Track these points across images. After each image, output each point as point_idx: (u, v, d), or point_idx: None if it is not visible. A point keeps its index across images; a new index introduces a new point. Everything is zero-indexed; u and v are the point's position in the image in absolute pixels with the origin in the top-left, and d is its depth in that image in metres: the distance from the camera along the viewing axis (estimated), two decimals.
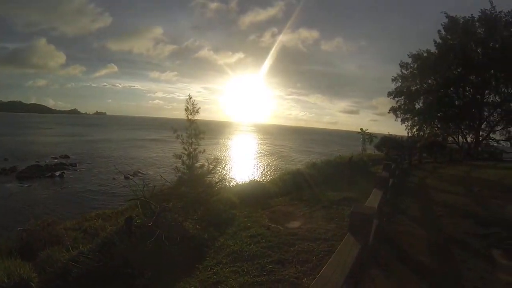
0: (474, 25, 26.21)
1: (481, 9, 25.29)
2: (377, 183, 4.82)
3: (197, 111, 8.21)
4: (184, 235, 5.36)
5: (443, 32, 27.62)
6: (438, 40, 27.62)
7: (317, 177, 10.65)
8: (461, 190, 9.43)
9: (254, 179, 10.46)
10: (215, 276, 3.93)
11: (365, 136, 27.48)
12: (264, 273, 3.82)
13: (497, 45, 24.79)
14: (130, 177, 20.93)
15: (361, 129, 28.35)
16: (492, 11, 24.84)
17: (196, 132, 8.15)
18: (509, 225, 6.14)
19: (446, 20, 27.11)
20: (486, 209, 7.43)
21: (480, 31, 25.92)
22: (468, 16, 26.32)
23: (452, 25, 27.02)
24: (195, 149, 8.15)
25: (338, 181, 10.23)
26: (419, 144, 22.57)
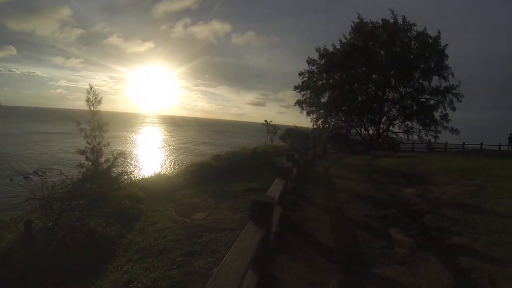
0: (380, 30, 36.73)
1: (383, 18, 36.55)
2: (279, 172, 6.23)
3: (100, 102, 9.93)
4: (90, 234, 6.17)
5: (351, 33, 37.84)
6: (344, 40, 37.78)
7: (222, 168, 13.15)
8: (362, 178, 12.30)
9: (160, 172, 12.56)
10: (126, 275, 4.64)
11: (270, 128, 34.95)
12: (175, 266, 4.65)
13: (398, 49, 35.78)
14: (30, 176, 21.12)
15: (266, 120, 35.68)
16: (393, 20, 36.26)
17: (99, 125, 9.75)
18: (403, 207, 8.58)
19: (354, 22, 37.71)
20: (384, 194, 9.97)
21: (384, 35, 36.43)
22: (376, 22, 36.99)
23: (361, 27, 37.09)
24: (99, 143, 9.82)
25: (243, 172, 12.56)
26: (324, 136, 28.63)
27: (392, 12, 36.63)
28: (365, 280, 4.96)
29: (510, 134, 37.43)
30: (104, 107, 10.01)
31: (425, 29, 36.04)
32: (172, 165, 36.05)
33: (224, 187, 9.74)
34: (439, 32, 36.03)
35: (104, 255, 5.61)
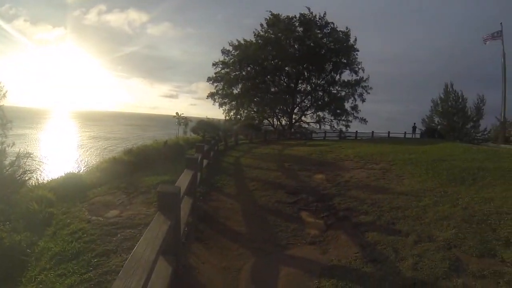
0: (295, 24, 39.39)
1: (301, 13, 39.29)
2: (188, 164, 6.34)
3: (5, 96, 9.45)
4: None
5: (265, 26, 40.06)
6: (259, 33, 39.89)
7: (134, 163, 13.22)
8: (274, 166, 12.95)
9: (71, 172, 11.87)
10: (41, 286, 4.47)
11: (181, 120, 36.27)
12: (91, 268, 4.58)
13: (311, 43, 38.45)
14: None
15: (177, 113, 36.95)
16: (309, 15, 39.22)
17: (3, 122, 9.04)
18: (313, 192, 9.27)
19: (269, 16, 39.76)
20: (295, 180, 10.63)
21: (299, 29, 39.19)
22: (291, 16, 39.53)
23: (275, 21, 39.22)
24: (2, 143, 9.12)
25: (155, 166, 12.79)
26: (236, 127, 29.40)
27: (309, 9, 39.59)
28: (278, 262, 5.32)
29: (414, 123, 42.08)
30: (6, 101, 9.05)
31: (348, 29, 39.90)
32: (83, 162, 35.19)
33: (137, 182, 9.67)
34: (347, 28, 40.01)
35: (14, 268, 5.26)
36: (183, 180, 5.31)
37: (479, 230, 6.11)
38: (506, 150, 17.43)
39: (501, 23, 27.74)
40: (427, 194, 8.55)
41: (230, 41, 40.44)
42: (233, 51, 40.15)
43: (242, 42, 40.09)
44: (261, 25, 40.92)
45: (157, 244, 2.78)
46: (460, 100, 40.24)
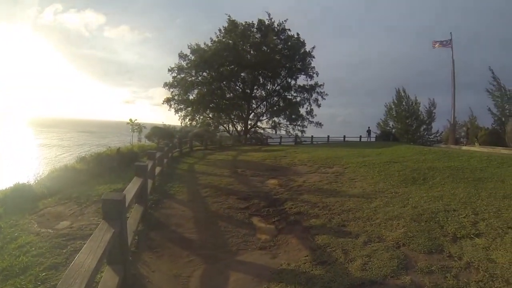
0: (252, 30, 40.21)
1: (259, 19, 40.04)
2: (137, 171, 6.34)
3: None
4: None
5: (223, 31, 40.61)
6: (216, 38, 40.33)
7: (86, 172, 12.90)
8: (227, 172, 13.02)
9: (20, 182, 11.27)
10: None
11: (134, 127, 35.37)
12: (39, 283, 4.41)
13: (268, 50, 39.32)
14: None
15: (130, 119, 35.58)
16: (268, 21, 40.17)
17: None
18: (266, 197, 9.39)
19: (227, 22, 40.33)
20: (247, 186, 10.73)
21: (257, 36, 40.05)
22: (249, 22, 40.19)
23: (233, 27, 39.82)
24: None
25: (107, 174, 12.51)
26: (191, 133, 29.21)
27: (269, 15, 40.55)
28: (228, 268, 5.34)
29: (368, 127, 43.52)
30: None
31: (299, 35, 41.15)
32: (33, 172, 32.93)
33: (89, 191, 9.43)
34: (298, 34, 41.27)
35: None
36: (131, 188, 5.28)
37: (427, 228, 6.38)
38: (455, 151, 18.51)
39: (451, 32, 30.10)
40: (378, 196, 8.85)
41: (188, 44, 40.44)
42: (191, 55, 40.19)
43: (201, 46, 40.29)
44: (219, 30, 41.46)
45: (99, 252, 2.76)
46: (413, 104, 42.22)
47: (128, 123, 35.40)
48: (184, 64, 40.58)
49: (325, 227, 6.87)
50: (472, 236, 5.96)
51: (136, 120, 35.11)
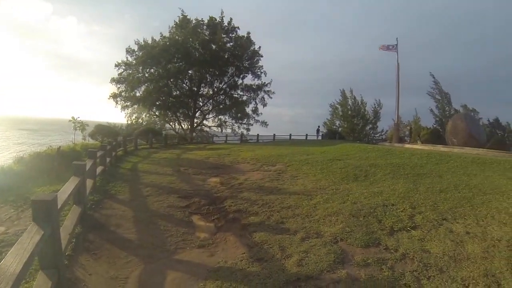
0: (203, 27, 39.76)
1: (210, 16, 39.73)
2: (75, 170, 6.15)
3: None
4: None
5: (174, 27, 39.92)
6: (166, 34, 39.49)
7: (24, 173, 12.29)
8: (170, 171, 12.94)
9: None
10: None
11: (77, 125, 33.79)
12: None
13: (216, 48, 38.95)
14: None
15: (73, 117, 34.10)
16: (218, 19, 39.91)
17: None
18: (207, 195, 9.45)
19: (179, 17, 39.82)
20: (189, 184, 10.70)
21: (206, 33, 39.61)
22: (200, 19, 39.81)
23: (184, 23, 39.24)
24: None
25: (47, 175, 11.94)
26: (136, 131, 28.39)
27: (222, 12, 40.45)
28: (166, 267, 5.31)
29: (318, 126, 45.02)
30: None
31: (248, 34, 41.15)
32: None
33: (26, 194, 8.84)
34: (248, 33, 41.22)
35: None
36: (67, 188, 5.08)
37: (365, 223, 6.63)
38: (398, 149, 19.30)
39: (396, 38, 31.81)
40: (319, 193, 9.06)
41: (136, 40, 39.33)
42: (138, 51, 39.09)
43: (149, 42, 39.29)
44: (170, 26, 40.80)
45: (26, 256, 2.66)
46: (360, 104, 43.65)
47: (70, 120, 33.73)
48: (131, 60, 39.46)
49: (263, 224, 6.97)
50: (408, 228, 6.27)
51: (78, 117, 33.60)
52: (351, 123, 43.77)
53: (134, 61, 39.32)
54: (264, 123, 42.52)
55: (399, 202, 7.90)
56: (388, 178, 10.53)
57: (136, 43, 39.14)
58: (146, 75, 39.52)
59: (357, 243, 5.74)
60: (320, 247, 5.62)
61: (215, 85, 42.64)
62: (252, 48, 41.34)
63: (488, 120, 42.44)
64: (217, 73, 40.80)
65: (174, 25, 40.54)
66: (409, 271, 4.76)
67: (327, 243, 5.79)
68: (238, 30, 41.31)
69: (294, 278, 4.66)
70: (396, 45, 31.32)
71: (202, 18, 40.56)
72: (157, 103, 39.53)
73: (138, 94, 39.56)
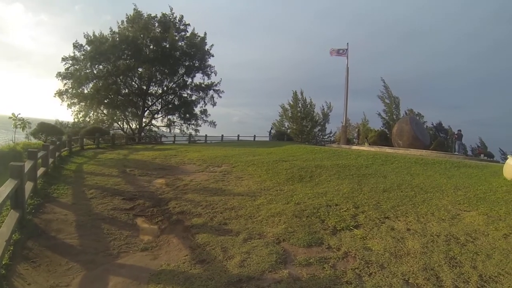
0: (154, 23, 38.61)
1: (162, 13, 38.85)
2: (11, 172, 5.74)
3: None
4: None
5: (125, 22, 38.33)
6: (117, 29, 37.87)
7: None
8: (115, 172, 12.53)
9: None
10: None
11: (17, 122, 31.07)
12: None
13: (167, 45, 37.88)
14: None
15: (13, 114, 31.05)
16: (170, 16, 39.08)
17: None
18: (151, 196, 9.28)
19: (132, 13, 38.27)
20: (134, 186, 10.45)
21: (157, 30, 38.43)
22: (154, 15, 38.67)
23: (135, 18, 37.83)
24: None
25: None
26: (83, 131, 27.15)
27: (171, 9, 39.50)
28: (108, 273, 5.15)
29: (271, 128, 45.23)
30: None
31: (205, 34, 40.64)
32: None
33: None
34: (206, 33, 40.67)
35: None
36: (2, 191, 4.81)
37: (308, 223, 6.78)
38: (345, 150, 19.74)
39: (347, 43, 32.62)
40: (263, 194, 9.14)
41: (85, 33, 37.04)
42: (87, 45, 36.95)
43: (98, 36, 37.11)
44: (122, 21, 39.20)
45: None
46: (309, 106, 44.28)
47: (10, 117, 31.11)
48: (79, 55, 37.39)
49: (206, 226, 6.97)
50: (351, 228, 6.50)
51: (19, 114, 31.08)
52: (300, 124, 44.19)
53: (82, 56, 37.24)
54: (213, 124, 42.14)
55: (343, 202, 8.15)
56: (333, 179, 10.80)
57: (86, 36, 36.91)
58: (95, 71, 37.49)
59: (300, 243, 5.85)
60: (262, 247, 5.68)
61: (164, 84, 41.35)
62: (204, 47, 40.59)
63: (432, 124, 45.18)
64: (167, 71, 39.57)
65: (126, 20, 38.93)
66: (351, 269, 4.91)
67: (269, 243, 5.86)
68: (189, 28, 40.59)
69: (235, 279, 4.66)
70: (347, 49, 32.10)
71: (156, 14, 39.54)
72: (105, 101, 37.83)
73: (85, 91, 37.47)
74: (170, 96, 41.90)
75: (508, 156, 11.73)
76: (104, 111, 39.18)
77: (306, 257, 5.30)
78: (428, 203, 8.17)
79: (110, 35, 37.64)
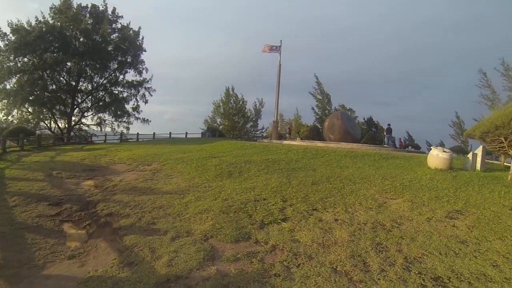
0: (85, 14, 35.07)
1: (93, 4, 35.50)
2: None
3: None
4: None
5: (53, 11, 34.29)
6: (43, 18, 33.56)
7: None
8: (40, 176, 11.74)
9: None
10: None
11: None
12: None
13: (100, 39, 34.59)
14: None
15: None
16: (103, 6, 36.05)
17: None
18: (79, 200, 8.89)
19: (60, 1, 34.49)
20: (61, 190, 9.91)
21: (89, 21, 34.93)
22: (85, 5, 35.20)
23: (65, 7, 34.08)
24: None
25: None
26: (5, 131, 24.67)
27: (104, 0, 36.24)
28: (32, 286, 4.92)
29: (207, 128, 43.78)
30: None
31: (140, 28, 38.19)
32: None
33: None
34: (140, 27, 38.23)
35: None
36: None
37: (236, 218, 6.86)
38: (276, 145, 19.65)
39: (281, 40, 32.39)
40: (191, 191, 9.10)
41: (9, 21, 32.57)
42: (11, 34, 32.36)
43: (24, 25, 32.82)
44: (50, 8, 34.93)
45: None
46: (241, 103, 44.15)
47: None
48: (2, 45, 32.68)
49: (134, 227, 6.83)
50: (279, 221, 6.66)
51: None
52: (232, 121, 43.88)
53: (4, 47, 32.69)
54: (145, 121, 40.10)
55: (271, 196, 8.32)
56: (262, 173, 10.95)
57: (9, 25, 32.46)
58: (19, 64, 33.15)
59: (227, 239, 5.93)
60: (190, 245, 5.71)
61: (95, 80, 37.99)
62: (137, 42, 38.02)
63: (364, 119, 47.72)
64: (98, 66, 36.25)
65: (54, 9, 34.70)
66: (279, 261, 5.01)
67: (197, 241, 5.90)
68: (122, 20, 37.85)
69: (164, 279, 4.65)
70: (280, 46, 32.14)
71: (87, 4, 35.94)
72: (31, 98, 33.76)
73: (8, 87, 33.29)
74: (101, 93, 38.79)
75: (431, 147, 12.68)
76: (30, 109, 35.51)
77: (234, 252, 5.38)
78: (356, 193, 8.59)
79: (36, 25, 33.45)
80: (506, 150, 11.25)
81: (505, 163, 15.24)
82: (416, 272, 4.70)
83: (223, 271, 4.80)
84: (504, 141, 10.89)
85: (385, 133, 31.41)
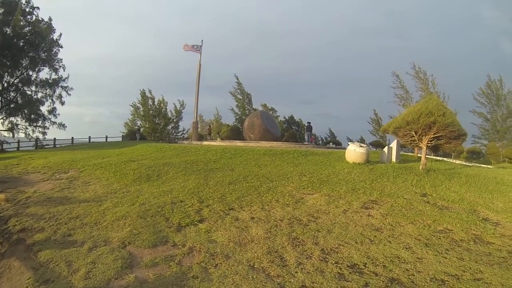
0: None
1: None
2: None
3: None
4: None
5: None
6: None
7: None
8: None
9: None
10: None
11: None
12: None
13: (11, 32, 29.82)
14: None
15: None
16: None
17: None
18: None
19: None
20: None
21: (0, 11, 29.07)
22: None
23: None
24: None
25: None
26: None
27: None
28: None
29: (138, 129, 41.83)
30: None
31: (50, 19, 33.39)
32: None
33: None
34: (50, 18, 33.70)
35: None
36: None
37: (153, 223, 6.72)
38: (195, 146, 19.19)
39: (202, 40, 31.81)
40: (109, 197, 8.73)
41: None
42: None
43: None
44: None
45: None
46: (161, 104, 42.77)
47: None
48: None
49: (49, 241, 6.36)
50: (195, 222, 6.65)
51: None
52: (153, 123, 42.32)
53: None
54: (62, 125, 35.46)
55: (188, 198, 8.26)
56: (180, 175, 10.80)
57: None
58: None
59: (145, 244, 5.81)
60: (107, 254, 5.50)
61: (5, 80, 32.59)
62: (51, 37, 33.30)
63: (285, 117, 48.44)
64: (8, 64, 31.32)
65: None
66: (197, 263, 5.02)
67: (114, 249, 5.71)
68: (37, 12, 32.75)
69: None
70: (201, 46, 31.45)
71: None
72: None
73: None
74: (12, 94, 33.50)
75: (349, 143, 13.39)
76: None
77: (152, 257, 5.31)
78: (274, 191, 8.80)
79: None
80: (417, 143, 12.33)
81: (418, 155, 16.65)
82: (333, 262, 4.98)
83: (142, 278, 4.73)
84: (414, 135, 11.92)
85: (305, 131, 32.07)
